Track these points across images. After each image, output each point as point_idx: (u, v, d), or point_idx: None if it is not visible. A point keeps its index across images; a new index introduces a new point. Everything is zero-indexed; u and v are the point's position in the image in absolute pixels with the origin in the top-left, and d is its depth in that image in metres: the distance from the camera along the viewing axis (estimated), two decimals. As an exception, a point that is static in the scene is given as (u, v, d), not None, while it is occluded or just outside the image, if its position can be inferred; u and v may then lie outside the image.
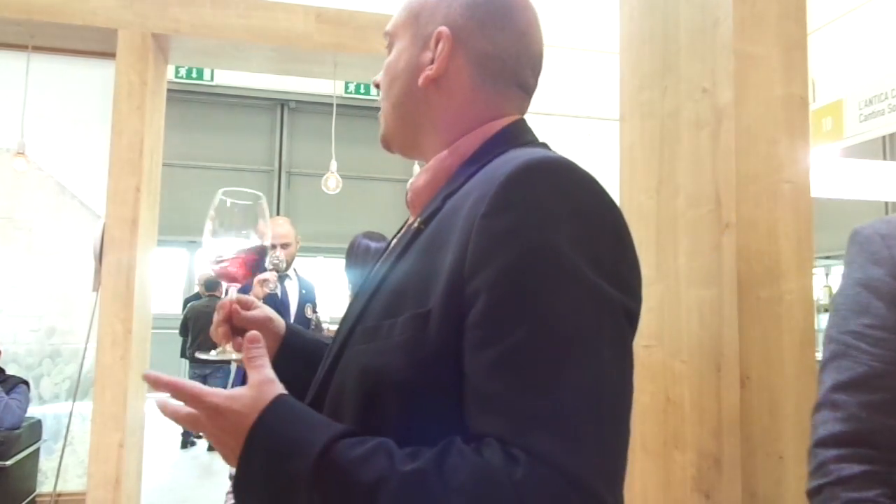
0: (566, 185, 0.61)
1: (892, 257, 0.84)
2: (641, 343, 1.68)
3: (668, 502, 1.55)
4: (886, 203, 8.65)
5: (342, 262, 2.85)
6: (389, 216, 9.94)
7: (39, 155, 3.86)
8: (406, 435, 0.58)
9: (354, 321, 0.69)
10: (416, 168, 4.56)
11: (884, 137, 8.22)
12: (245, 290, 0.74)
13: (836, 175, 5.87)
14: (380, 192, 10.00)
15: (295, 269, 3.39)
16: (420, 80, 0.75)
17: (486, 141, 0.74)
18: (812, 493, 0.85)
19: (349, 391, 0.65)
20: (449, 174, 0.74)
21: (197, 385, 0.63)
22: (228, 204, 0.82)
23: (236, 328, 0.83)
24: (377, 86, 0.83)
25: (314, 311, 3.41)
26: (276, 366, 0.70)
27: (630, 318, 0.62)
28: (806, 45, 1.47)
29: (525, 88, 0.78)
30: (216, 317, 0.82)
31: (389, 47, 0.81)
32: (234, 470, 2.59)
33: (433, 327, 0.60)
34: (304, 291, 3.39)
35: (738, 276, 1.34)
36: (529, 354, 0.55)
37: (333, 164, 4.18)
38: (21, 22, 3.48)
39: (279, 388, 0.64)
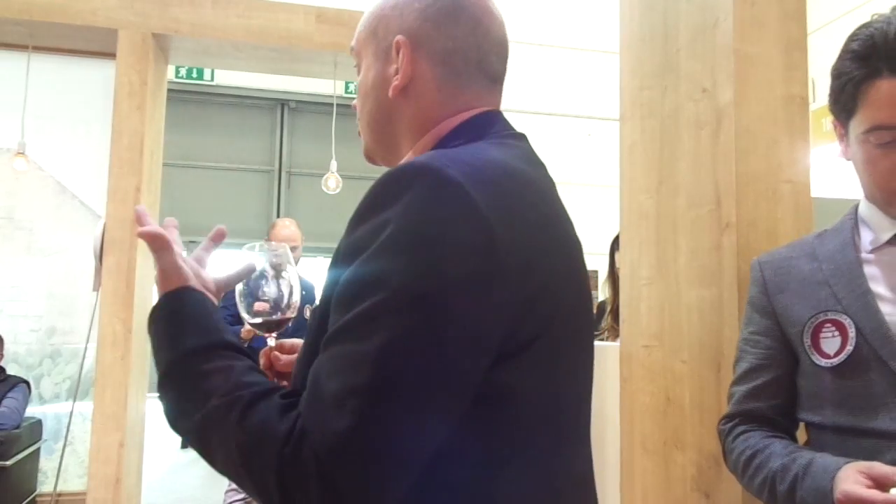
0: (403, 191, 0.61)
1: (763, 279, 1.09)
2: (641, 343, 1.68)
3: (668, 502, 1.55)
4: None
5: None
6: (389, 216, 9.92)
7: (40, 155, 3.87)
8: None
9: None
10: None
11: (883, 137, 8.21)
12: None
13: (836, 175, 5.87)
14: (380, 192, 9.99)
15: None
16: (389, 92, 0.76)
17: (440, 140, 0.75)
18: (723, 456, 1.13)
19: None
20: None
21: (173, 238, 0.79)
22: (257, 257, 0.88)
23: (278, 374, 0.87)
24: (355, 107, 0.85)
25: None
26: None
27: (446, 303, 0.59)
28: (806, 45, 1.47)
29: (492, 76, 0.79)
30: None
31: (358, 68, 0.83)
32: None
33: (317, 320, 0.66)
34: (304, 293, 3.40)
35: (738, 275, 1.34)
36: (331, 340, 0.60)
37: (333, 164, 4.19)
38: (21, 22, 3.48)
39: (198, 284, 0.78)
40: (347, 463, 0.54)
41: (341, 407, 0.55)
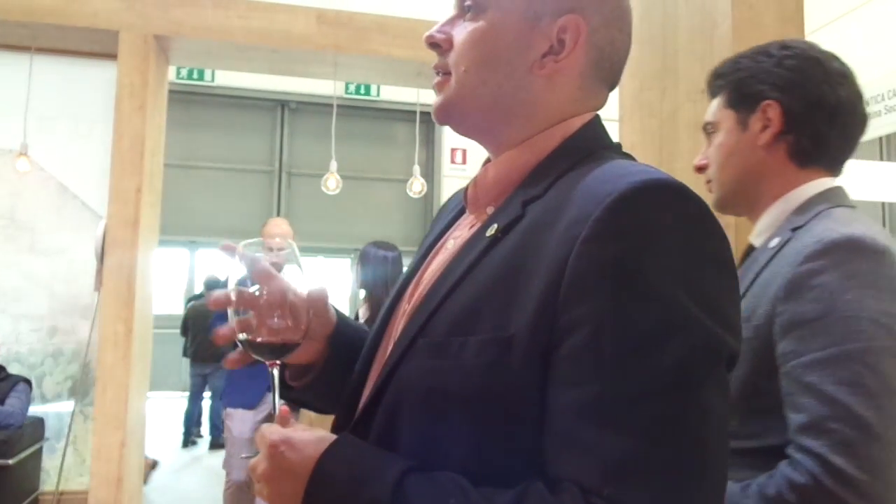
0: (679, 215, 0.56)
1: None
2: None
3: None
4: (884, 204, 8.66)
5: (342, 262, 2.90)
6: (389, 216, 9.94)
7: (42, 155, 3.87)
8: (471, 461, 0.56)
9: (416, 332, 0.63)
10: (416, 168, 4.58)
11: (881, 138, 8.23)
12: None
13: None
14: (380, 192, 10.00)
15: None
16: (535, 69, 0.67)
17: (566, 139, 0.68)
18: None
19: (409, 407, 0.61)
20: (524, 172, 0.68)
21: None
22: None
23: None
24: (435, 44, 0.71)
25: None
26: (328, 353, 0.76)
27: (732, 360, 0.58)
28: (803, 46, 1.48)
29: (613, 87, 0.74)
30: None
31: (475, 8, 0.68)
32: (232, 469, 2.57)
33: (517, 354, 0.55)
34: None
35: (736, 275, 1.35)
36: (626, 401, 0.51)
37: (333, 165, 4.20)
38: (24, 24, 3.50)
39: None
40: None
41: (674, 469, 0.50)
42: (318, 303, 0.74)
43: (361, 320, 2.95)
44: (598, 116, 0.71)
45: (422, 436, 0.60)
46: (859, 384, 0.78)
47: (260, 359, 0.70)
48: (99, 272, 3.44)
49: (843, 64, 1.01)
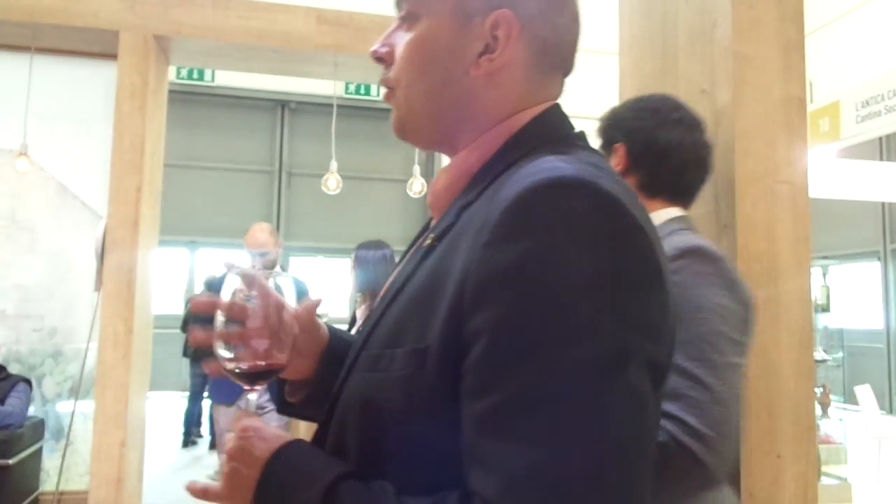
0: (581, 212, 0.52)
1: None
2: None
3: (668, 499, 1.56)
4: (883, 203, 8.66)
5: (342, 262, 2.91)
6: (389, 217, 9.95)
7: (42, 155, 3.88)
8: (404, 472, 0.57)
9: (361, 345, 0.64)
10: (416, 168, 4.58)
11: (880, 138, 8.24)
12: None
13: (834, 176, 5.89)
14: (380, 192, 10.01)
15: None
16: (469, 70, 0.64)
17: (512, 136, 0.65)
18: None
19: (351, 420, 0.62)
20: (469, 177, 0.66)
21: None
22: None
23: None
24: (380, 59, 0.70)
25: None
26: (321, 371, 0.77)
27: (655, 367, 0.54)
28: (803, 46, 1.48)
29: (567, 73, 0.70)
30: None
31: (409, 17, 0.68)
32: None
33: (431, 366, 0.55)
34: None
35: (736, 275, 1.35)
36: (525, 411, 0.50)
37: (333, 165, 4.20)
38: (24, 24, 3.49)
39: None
40: None
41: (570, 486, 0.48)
42: (305, 320, 0.74)
43: (359, 321, 2.96)
44: (555, 106, 0.68)
45: (361, 446, 0.61)
46: (706, 359, 0.98)
47: (241, 384, 0.69)
48: (99, 272, 3.44)
49: (685, 114, 1.20)
